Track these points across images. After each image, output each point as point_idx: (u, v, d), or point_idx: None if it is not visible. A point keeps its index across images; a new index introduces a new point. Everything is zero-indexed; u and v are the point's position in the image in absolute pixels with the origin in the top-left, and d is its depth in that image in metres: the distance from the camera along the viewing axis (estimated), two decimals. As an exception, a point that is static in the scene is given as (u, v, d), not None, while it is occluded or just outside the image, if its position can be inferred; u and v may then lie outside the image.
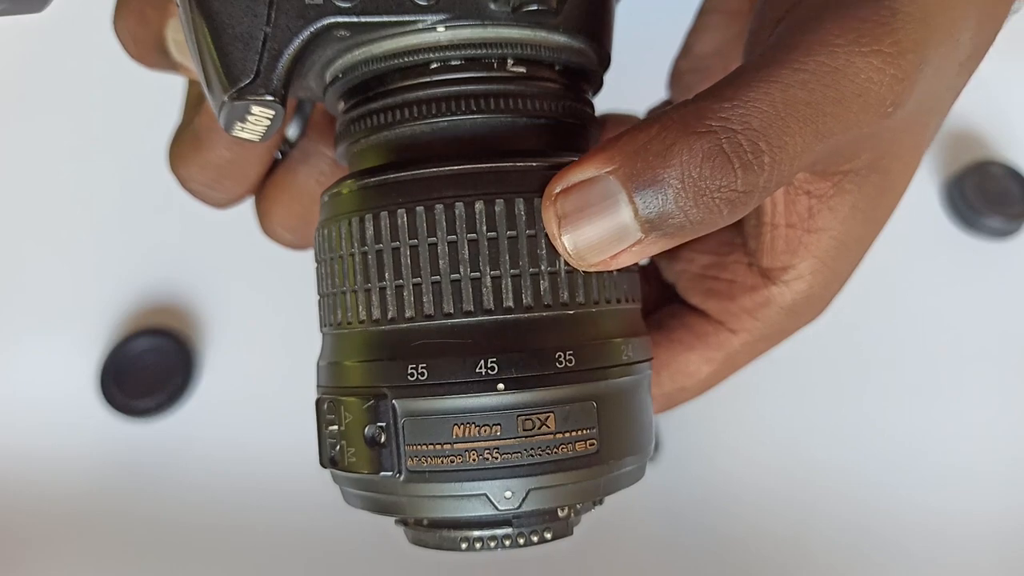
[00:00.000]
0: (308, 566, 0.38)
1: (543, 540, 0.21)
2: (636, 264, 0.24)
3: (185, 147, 0.28)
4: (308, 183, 0.28)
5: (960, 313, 0.44)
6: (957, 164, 0.47)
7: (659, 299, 0.28)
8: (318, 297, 0.24)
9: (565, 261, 0.21)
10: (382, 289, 0.21)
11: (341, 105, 0.24)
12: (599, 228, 0.20)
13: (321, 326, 0.24)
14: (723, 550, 0.38)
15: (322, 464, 0.22)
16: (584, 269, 0.21)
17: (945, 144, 0.48)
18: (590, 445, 0.21)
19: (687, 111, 0.20)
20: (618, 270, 0.22)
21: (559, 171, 0.20)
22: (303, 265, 0.47)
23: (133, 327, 0.44)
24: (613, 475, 0.22)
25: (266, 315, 0.44)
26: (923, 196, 0.47)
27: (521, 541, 0.21)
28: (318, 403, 0.22)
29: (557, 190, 0.20)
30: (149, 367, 0.42)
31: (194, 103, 0.29)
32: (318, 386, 0.23)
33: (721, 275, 0.26)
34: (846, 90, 0.20)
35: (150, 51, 0.27)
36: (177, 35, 0.26)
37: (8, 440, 0.42)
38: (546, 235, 0.21)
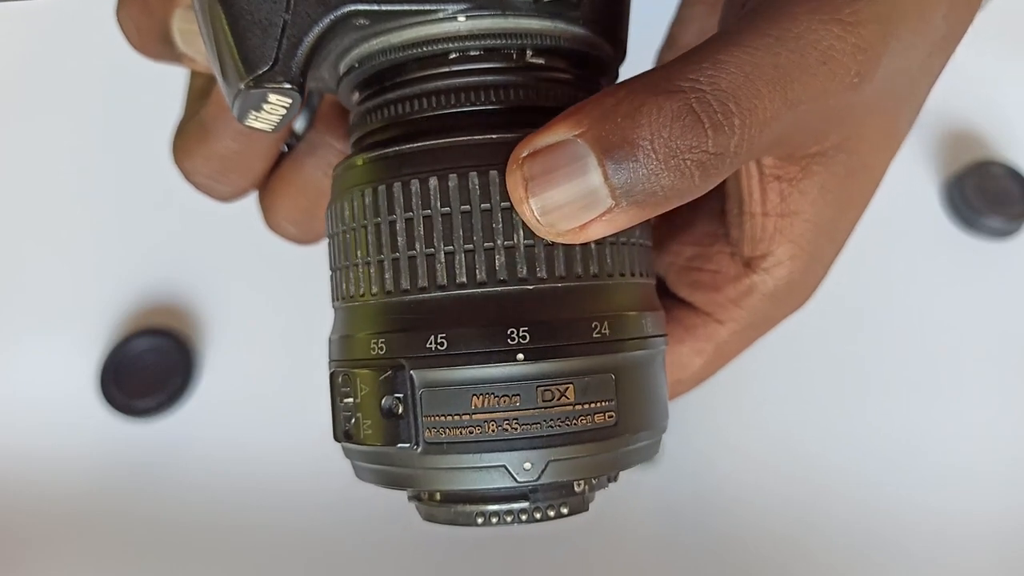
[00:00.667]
0: (308, 566, 0.38)
1: (559, 515, 0.21)
2: (647, 238, 0.24)
3: (190, 138, 0.28)
4: (315, 175, 0.28)
5: (960, 313, 0.44)
6: (957, 164, 0.47)
7: None
8: (330, 272, 0.24)
9: (530, 231, 0.20)
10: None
11: (356, 96, 0.24)
12: (568, 192, 0.19)
13: (332, 300, 0.23)
14: (723, 550, 0.38)
15: (336, 438, 0.22)
16: (552, 239, 0.20)
17: (945, 144, 0.48)
18: (608, 417, 0.20)
19: (656, 74, 0.20)
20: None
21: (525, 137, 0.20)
22: (303, 265, 0.47)
23: (133, 327, 0.43)
24: (630, 449, 0.22)
25: (266, 315, 0.44)
26: (923, 196, 0.47)
27: (538, 516, 0.21)
28: (332, 376, 0.22)
29: (524, 154, 0.20)
30: (149, 367, 0.42)
31: (197, 95, 0.29)
32: (330, 360, 0.23)
33: (705, 266, 0.27)
34: (810, 57, 0.20)
35: (154, 41, 0.27)
36: (183, 24, 0.26)
37: (8, 440, 0.41)
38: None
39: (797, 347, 0.43)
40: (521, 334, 0.20)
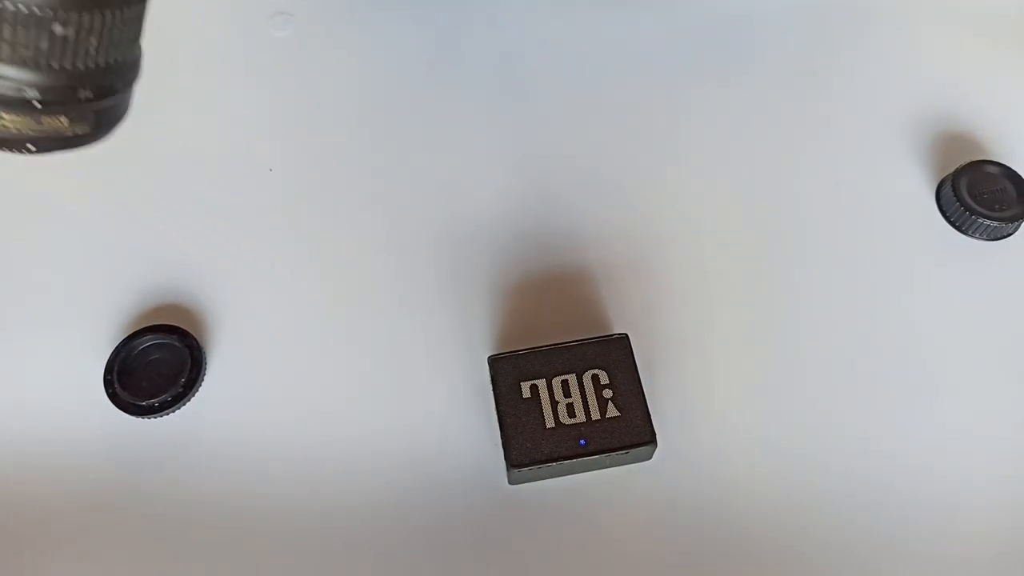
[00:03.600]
0: (315, 564, 0.39)
1: None
2: None
3: None
4: None
5: (954, 315, 0.44)
6: (951, 164, 0.47)
7: None
8: None
9: None
10: None
11: None
12: None
13: None
14: (723, 550, 0.38)
15: None
16: None
17: (940, 144, 0.48)
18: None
19: None
20: None
21: None
22: (311, 262, 0.47)
23: (139, 324, 0.44)
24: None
25: (274, 311, 0.44)
26: (917, 197, 0.47)
27: None
28: None
29: None
30: (155, 364, 0.42)
31: None
32: None
33: None
34: None
35: None
36: None
37: (12, 439, 0.42)
38: None
39: (792, 348, 0.43)
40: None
